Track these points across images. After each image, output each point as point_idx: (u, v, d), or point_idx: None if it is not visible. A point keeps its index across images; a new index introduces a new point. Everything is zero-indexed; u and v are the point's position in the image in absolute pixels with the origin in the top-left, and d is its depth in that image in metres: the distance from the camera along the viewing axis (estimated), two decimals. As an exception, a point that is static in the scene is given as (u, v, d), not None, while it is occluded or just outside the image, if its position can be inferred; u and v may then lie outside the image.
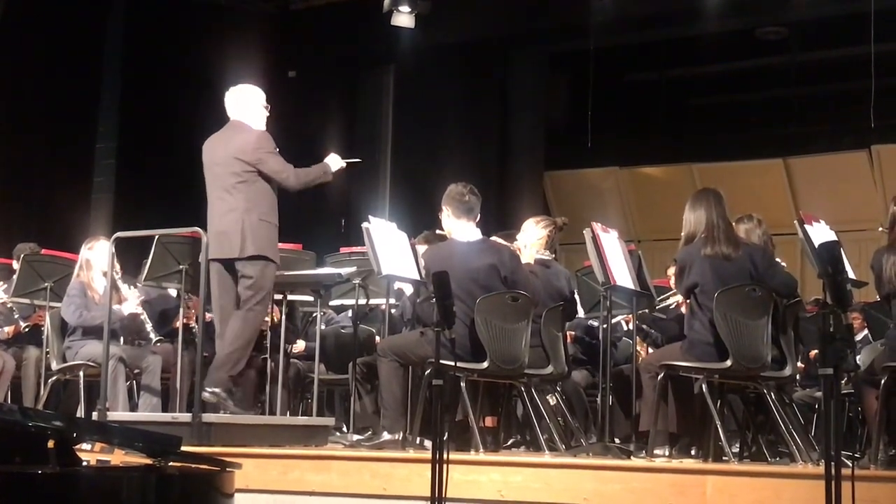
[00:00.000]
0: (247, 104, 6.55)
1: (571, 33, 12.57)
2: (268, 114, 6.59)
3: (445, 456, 4.44)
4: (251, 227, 6.22)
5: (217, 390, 6.12)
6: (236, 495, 3.45)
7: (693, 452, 5.91)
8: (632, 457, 5.86)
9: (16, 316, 8.02)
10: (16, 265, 8.05)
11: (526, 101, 13.60)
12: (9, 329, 8.05)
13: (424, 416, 6.02)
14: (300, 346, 8.34)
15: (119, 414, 6.59)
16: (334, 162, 6.65)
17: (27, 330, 8.04)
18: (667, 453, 5.82)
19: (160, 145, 11.06)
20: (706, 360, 5.70)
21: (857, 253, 9.69)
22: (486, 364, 6.00)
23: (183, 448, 3.31)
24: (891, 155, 13.20)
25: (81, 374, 7.21)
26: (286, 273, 6.97)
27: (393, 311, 7.51)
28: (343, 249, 8.33)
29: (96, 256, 7.42)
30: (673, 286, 6.86)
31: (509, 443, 6.94)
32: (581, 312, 7.58)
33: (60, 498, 2.98)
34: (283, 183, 6.41)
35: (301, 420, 7.45)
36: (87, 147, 11.47)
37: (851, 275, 5.76)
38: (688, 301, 5.98)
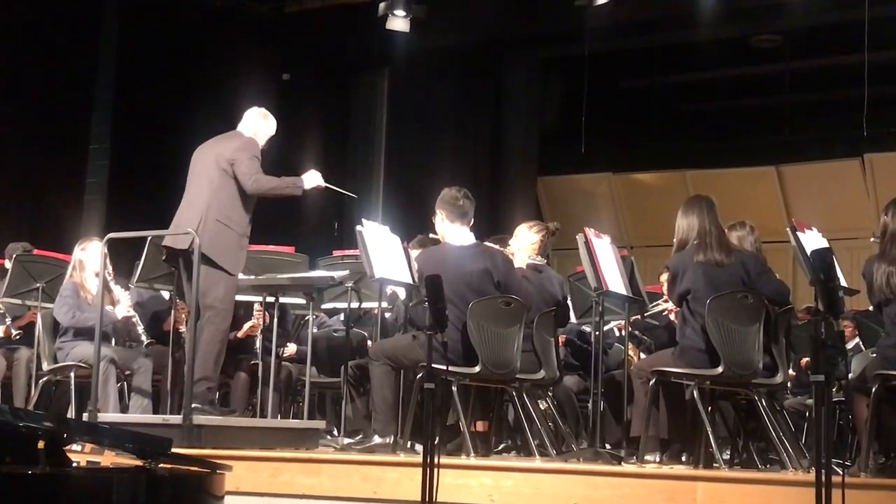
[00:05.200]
0: (258, 126, 6.71)
1: (566, 39, 12.59)
2: (263, 148, 6.67)
3: (436, 460, 4.44)
4: (208, 226, 6.27)
5: (196, 405, 6.09)
6: (226, 497, 3.45)
7: (684, 459, 5.91)
8: (622, 462, 5.85)
9: (7, 321, 7.99)
10: (8, 265, 8.02)
11: (520, 106, 13.62)
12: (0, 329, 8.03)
13: (416, 420, 6.01)
14: (291, 348, 8.33)
15: (109, 415, 6.56)
16: (311, 179, 6.69)
17: (18, 338, 8.00)
18: (657, 459, 5.83)
19: (153, 146, 11.04)
20: (698, 367, 5.70)
21: (850, 261, 9.71)
22: (477, 368, 5.99)
23: (173, 450, 3.31)
24: (883, 163, 13.22)
25: (72, 374, 7.19)
26: (278, 276, 6.96)
27: (387, 314, 7.50)
28: (336, 252, 8.31)
29: (89, 257, 7.38)
30: (666, 292, 6.86)
31: (500, 447, 6.93)
32: (573, 318, 7.58)
33: (50, 499, 2.98)
34: (243, 183, 6.45)
35: (292, 423, 7.44)
36: (80, 148, 11.44)
37: (843, 282, 5.77)
38: (679, 308, 5.98)
